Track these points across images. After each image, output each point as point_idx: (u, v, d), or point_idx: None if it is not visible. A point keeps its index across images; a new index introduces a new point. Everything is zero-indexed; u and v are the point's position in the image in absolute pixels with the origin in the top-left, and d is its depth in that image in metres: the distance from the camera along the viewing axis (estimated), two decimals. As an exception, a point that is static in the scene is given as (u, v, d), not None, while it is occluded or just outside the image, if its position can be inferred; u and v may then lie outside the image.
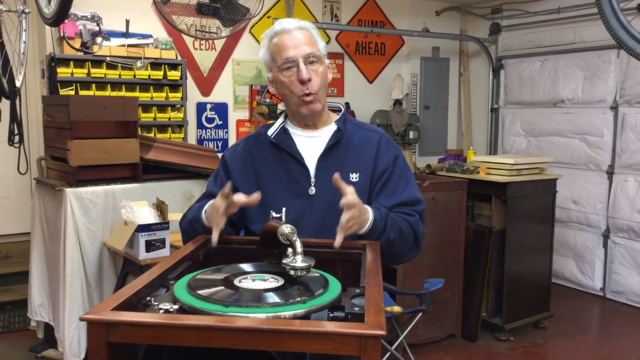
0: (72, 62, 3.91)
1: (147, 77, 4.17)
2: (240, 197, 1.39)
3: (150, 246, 2.77)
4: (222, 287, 1.08)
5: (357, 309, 1.00)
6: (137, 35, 4.24)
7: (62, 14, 2.48)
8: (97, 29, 3.64)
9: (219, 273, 1.17)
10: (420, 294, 2.85)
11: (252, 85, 5.06)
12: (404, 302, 3.27)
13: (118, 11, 4.23)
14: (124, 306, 0.93)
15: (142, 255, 2.76)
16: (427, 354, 3.60)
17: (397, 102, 5.51)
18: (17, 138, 3.25)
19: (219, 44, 4.90)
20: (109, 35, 3.85)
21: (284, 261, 1.14)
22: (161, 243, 2.81)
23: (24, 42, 3.00)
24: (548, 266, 4.08)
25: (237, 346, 0.86)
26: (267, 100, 4.73)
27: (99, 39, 3.69)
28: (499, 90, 5.78)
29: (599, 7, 2.37)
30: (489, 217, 3.84)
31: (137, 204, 2.93)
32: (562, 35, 5.12)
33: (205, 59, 4.86)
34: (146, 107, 4.19)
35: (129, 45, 4.10)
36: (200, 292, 1.03)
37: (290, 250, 1.17)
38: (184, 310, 0.98)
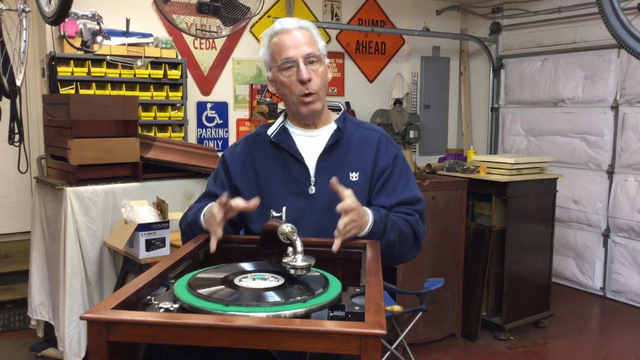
0: (72, 61, 3.91)
1: (147, 76, 4.17)
2: (239, 202, 1.37)
3: (150, 245, 2.77)
4: (223, 286, 1.08)
5: (357, 308, 1.00)
6: (137, 34, 4.24)
7: (62, 13, 2.48)
8: (97, 27, 3.64)
9: (219, 272, 1.17)
10: (420, 293, 2.85)
11: (252, 85, 5.06)
12: (404, 301, 3.27)
13: (118, 10, 4.23)
14: (124, 305, 0.93)
15: (142, 254, 2.75)
16: (427, 354, 3.60)
17: (398, 102, 5.51)
18: (17, 137, 3.26)
19: (219, 43, 4.90)
20: (109, 34, 3.86)
21: (284, 260, 1.14)
22: (161, 242, 2.81)
23: (25, 41, 3.00)
24: (548, 266, 4.08)
25: (238, 345, 0.86)
26: (268, 99, 4.73)
27: (99, 38, 3.70)
28: (500, 90, 5.78)
29: (600, 7, 2.37)
30: (489, 216, 3.84)
31: (137, 203, 2.93)
32: (562, 34, 5.12)
33: (205, 58, 4.86)
34: (146, 106, 4.19)
35: (130, 44, 4.10)
36: (201, 291, 1.03)
37: (290, 249, 1.17)
38: (184, 309, 0.98)
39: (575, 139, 5.00)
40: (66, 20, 3.30)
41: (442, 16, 5.92)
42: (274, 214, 1.33)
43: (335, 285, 1.10)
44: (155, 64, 4.20)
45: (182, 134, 4.38)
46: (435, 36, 5.72)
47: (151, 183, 3.21)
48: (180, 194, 3.32)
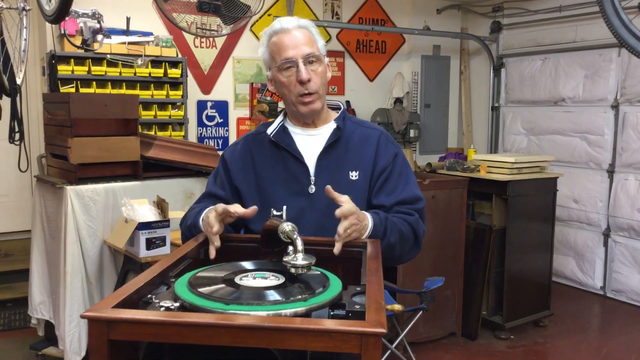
0: (72, 60, 3.91)
1: (147, 75, 4.17)
2: (237, 209, 1.36)
3: (150, 244, 2.77)
4: (223, 285, 1.08)
5: (357, 307, 1.00)
6: (137, 32, 4.23)
7: (62, 11, 2.48)
8: (97, 26, 3.64)
9: (219, 271, 1.17)
10: (421, 292, 2.85)
11: (252, 83, 5.06)
12: (405, 300, 3.27)
13: (119, 8, 4.23)
14: (125, 304, 0.93)
15: (143, 253, 2.75)
16: (428, 353, 3.60)
17: (398, 101, 5.51)
18: (17, 135, 3.25)
19: (220, 41, 4.90)
20: (109, 32, 3.86)
21: (284, 259, 1.14)
22: (162, 241, 2.80)
23: (25, 40, 3.00)
24: (548, 265, 4.08)
25: (238, 344, 0.86)
26: (268, 98, 4.72)
27: (99, 37, 3.69)
28: (500, 89, 5.78)
29: (600, 6, 2.36)
30: (489, 215, 3.84)
31: (137, 202, 2.93)
32: (563, 33, 5.12)
33: (205, 56, 4.86)
34: (147, 105, 4.19)
35: (130, 43, 4.10)
36: (201, 289, 1.03)
37: (291, 248, 1.17)
38: (185, 307, 0.98)
39: (576, 138, 5.00)
40: (66, 18, 3.30)
41: (442, 15, 5.91)
42: (275, 212, 1.33)
43: (335, 284, 1.10)
44: (156, 62, 4.19)
45: (182, 133, 4.38)
46: (435, 35, 5.71)
47: (151, 182, 3.21)
48: (180, 192, 3.32)
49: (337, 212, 1.33)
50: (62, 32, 3.90)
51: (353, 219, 1.34)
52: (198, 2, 3.01)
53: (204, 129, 4.89)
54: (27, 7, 2.93)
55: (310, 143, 1.61)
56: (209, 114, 4.91)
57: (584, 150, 4.93)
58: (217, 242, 1.35)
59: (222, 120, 4.97)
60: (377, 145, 1.61)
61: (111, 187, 3.07)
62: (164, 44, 4.28)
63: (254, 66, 5.07)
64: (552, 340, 3.87)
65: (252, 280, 1.12)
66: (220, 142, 4.96)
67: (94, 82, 3.98)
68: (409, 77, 5.85)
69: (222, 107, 4.96)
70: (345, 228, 1.32)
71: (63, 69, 3.88)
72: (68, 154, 2.98)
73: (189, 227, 1.54)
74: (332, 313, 1.01)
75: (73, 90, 3.90)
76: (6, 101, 3.19)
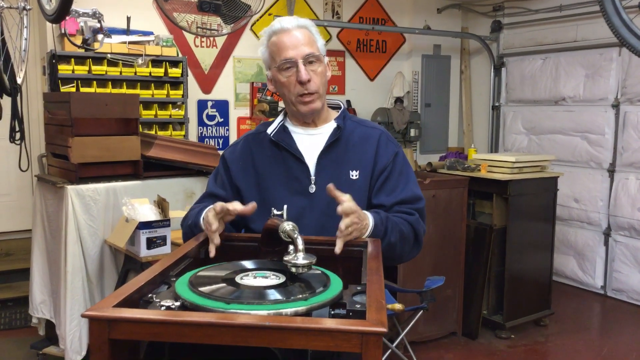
0: (73, 59, 3.91)
1: (148, 75, 4.17)
2: (236, 206, 1.37)
3: (151, 243, 2.77)
4: (224, 284, 1.08)
5: (358, 306, 1.01)
6: (138, 32, 4.23)
7: (63, 11, 2.48)
8: (98, 25, 3.64)
9: (220, 270, 1.17)
10: (421, 291, 2.85)
11: (253, 83, 5.06)
12: (405, 299, 3.27)
13: (119, 8, 4.23)
14: (125, 303, 0.93)
15: (143, 252, 2.76)
16: (428, 352, 3.60)
17: (398, 100, 5.50)
18: (18, 135, 3.25)
19: (220, 41, 4.90)
20: (110, 32, 3.86)
21: (285, 258, 1.14)
22: (162, 240, 2.81)
23: (25, 39, 3.00)
24: (549, 264, 4.08)
25: (239, 343, 0.86)
26: (268, 97, 4.72)
27: (100, 36, 3.70)
28: (500, 88, 5.78)
29: (601, 5, 2.36)
30: (490, 215, 3.84)
31: (138, 201, 2.93)
32: (563, 33, 5.11)
33: (206, 56, 4.86)
34: (147, 105, 4.19)
35: (130, 43, 4.10)
36: (202, 289, 1.03)
37: (291, 247, 1.17)
38: (186, 307, 0.99)
39: (576, 137, 5.00)
40: (67, 18, 3.30)
41: (443, 14, 5.91)
42: (275, 212, 1.33)
43: (336, 283, 1.10)
44: (156, 62, 4.19)
45: (182, 132, 4.38)
46: (436, 34, 5.71)
47: (152, 181, 3.22)
48: (181, 192, 3.32)
49: (339, 209, 1.33)
50: (63, 31, 3.90)
51: (354, 216, 1.34)
52: (198, 2, 3.01)
53: (205, 128, 4.90)
54: (28, 7, 2.93)
55: (310, 142, 1.61)
56: (210, 113, 4.91)
57: (584, 150, 4.93)
58: (216, 240, 1.35)
59: (222, 119, 4.97)
60: (378, 144, 1.61)
61: (112, 186, 3.07)
62: (164, 44, 4.28)
63: (255, 66, 5.07)
64: (553, 340, 3.87)
65: (253, 279, 1.12)
66: (220, 142, 4.96)
67: (95, 82, 3.98)
68: (410, 77, 5.85)
69: (222, 107, 4.96)
70: (347, 225, 1.32)
71: (63, 69, 3.87)
72: (69, 153, 2.98)
73: (190, 226, 1.55)
74: (332, 312, 1.01)
75: (73, 89, 3.90)
76: (7, 101, 3.19)
